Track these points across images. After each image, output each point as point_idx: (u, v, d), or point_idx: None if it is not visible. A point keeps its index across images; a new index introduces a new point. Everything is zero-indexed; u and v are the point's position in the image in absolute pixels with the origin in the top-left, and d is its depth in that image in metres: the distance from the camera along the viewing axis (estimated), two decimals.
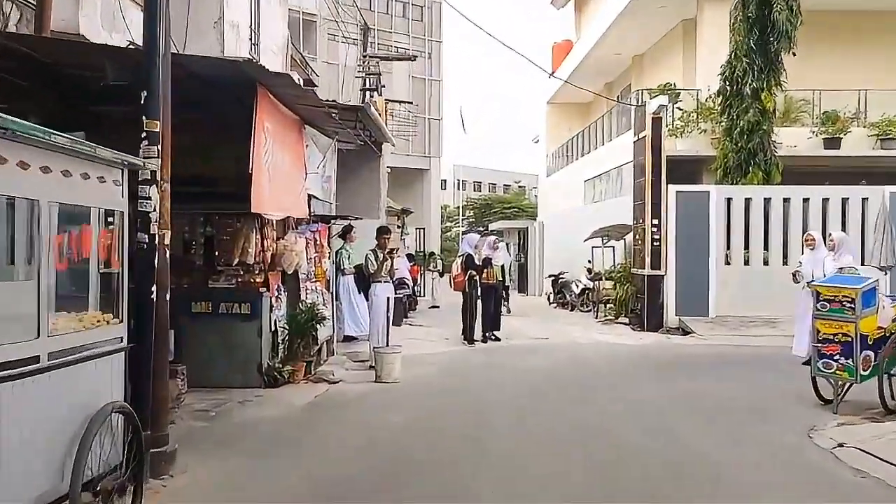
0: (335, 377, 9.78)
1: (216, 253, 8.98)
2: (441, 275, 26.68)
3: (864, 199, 16.42)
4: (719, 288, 16.51)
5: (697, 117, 19.28)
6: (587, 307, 21.97)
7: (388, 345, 10.30)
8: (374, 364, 10.19)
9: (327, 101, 9.84)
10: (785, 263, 16.06)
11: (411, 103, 29.44)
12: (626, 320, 17.04)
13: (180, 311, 7.69)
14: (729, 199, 16.64)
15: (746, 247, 16.69)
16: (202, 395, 8.18)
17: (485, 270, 13.95)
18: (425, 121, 50.86)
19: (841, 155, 18.92)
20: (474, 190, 79.11)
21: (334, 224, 11.75)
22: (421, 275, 29.44)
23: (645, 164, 16.72)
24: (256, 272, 8.94)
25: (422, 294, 29.33)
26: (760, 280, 16.47)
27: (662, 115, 16.68)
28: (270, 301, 8.98)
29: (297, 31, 29.46)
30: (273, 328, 9.07)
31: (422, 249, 31.10)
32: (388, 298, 10.93)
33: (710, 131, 19.44)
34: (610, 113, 24.19)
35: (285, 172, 8.68)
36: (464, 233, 39.76)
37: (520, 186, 76.56)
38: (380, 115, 15.27)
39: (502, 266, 14.20)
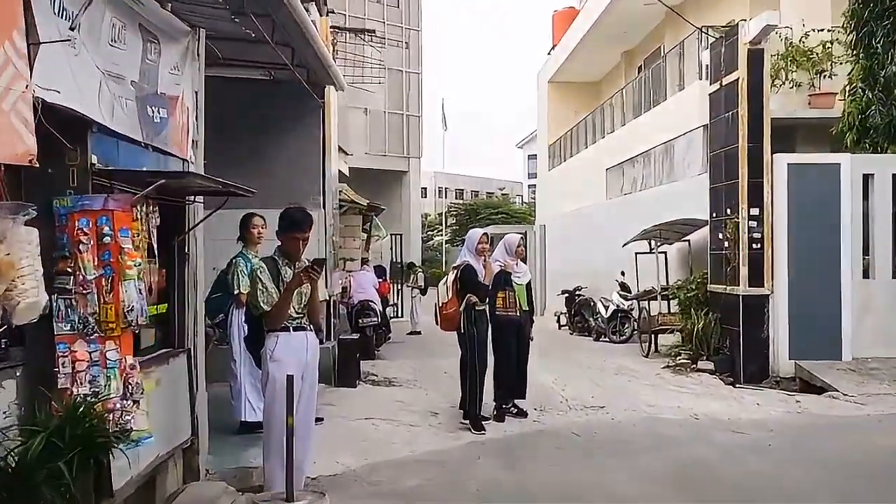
0: None
1: None
2: (423, 292, 20.66)
3: None
4: (857, 314, 10.59)
5: (789, 65, 13.38)
6: (622, 336, 16.03)
7: (291, 488, 4.26)
8: None
9: None
10: None
11: (373, 32, 23.17)
12: (707, 365, 11.02)
13: None
14: (869, 177, 10.75)
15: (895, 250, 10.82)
16: None
17: (499, 294, 7.92)
18: (403, 118, 45.01)
19: None
20: (456, 198, 73.99)
21: (194, 203, 5.52)
22: (398, 291, 23.59)
23: (737, 124, 10.80)
24: None
25: (399, 314, 23.48)
26: None
27: (765, 45, 10.72)
28: None
29: None
30: None
31: (399, 259, 25.18)
32: (309, 363, 4.95)
33: (810, 84, 13.57)
34: (642, 80, 18.25)
35: None
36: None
37: (503, 194, 71.48)
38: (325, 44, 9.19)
39: (528, 286, 8.17)
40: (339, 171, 17.49)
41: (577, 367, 11.88)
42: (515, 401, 8.21)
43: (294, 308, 4.95)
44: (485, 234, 7.75)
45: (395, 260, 25.09)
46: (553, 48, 28.14)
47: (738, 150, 10.72)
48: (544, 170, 28.95)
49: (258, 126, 9.12)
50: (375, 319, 13.21)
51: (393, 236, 25.28)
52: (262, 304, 4.86)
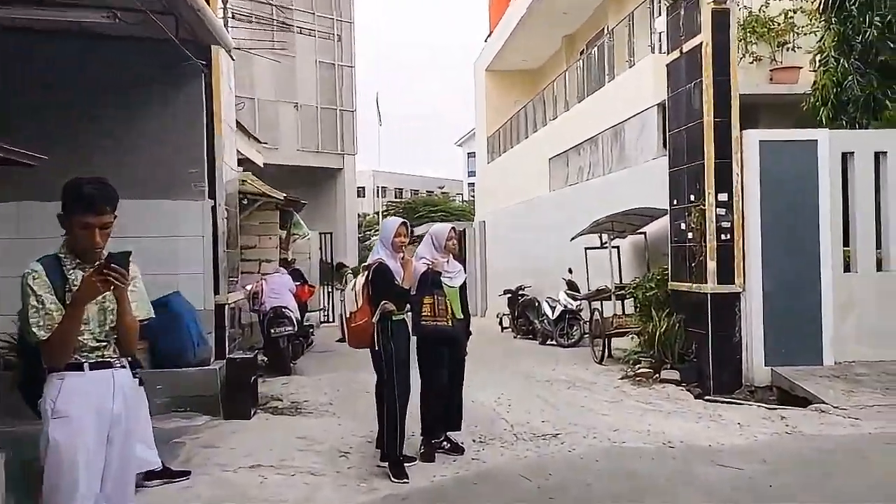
0: None
1: None
2: None
3: None
4: (839, 313, 9.25)
5: (749, 37, 12.05)
6: (570, 339, 14.58)
7: None
8: None
9: None
10: None
11: None
12: (672, 374, 9.55)
13: None
14: (848, 156, 9.42)
15: (880, 239, 9.51)
16: None
17: (426, 300, 6.24)
18: (336, 113, 42.99)
19: None
20: (396, 197, 72.38)
21: None
22: (328, 293, 21.88)
23: (700, 97, 9.36)
24: None
25: (328, 319, 21.78)
26: None
27: (731, 5, 9.29)
28: None
29: None
30: None
31: (330, 260, 23.35)
32: (121, 416, 3.22)
33: (772, 58, 12.30)
34: (586, 59, 16.79)
35: None
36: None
37: (444, 192, 70.16)
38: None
39: (463, 289, 6.50)
40: (255, 162, 15.66)
41: (523, 380, 10.29)
42: (449, 433, 6.56)
43: (91, 333, 3.21)
44: (403, 223, 6.06)
45: (325, 260, 23.31)
46: (490, 35, 26.64)
47: (703, 126, 9.28)
48: (483, 163, 27.41)
49: (114, 91, 7.27)
50: (290, 328, 11.43)
51: (322, 235, 23.46)
52: (35, 330, 3.10)
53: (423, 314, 6.24)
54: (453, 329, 6.35)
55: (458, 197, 68.76)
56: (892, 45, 9.98)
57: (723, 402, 8.68)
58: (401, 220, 6.11)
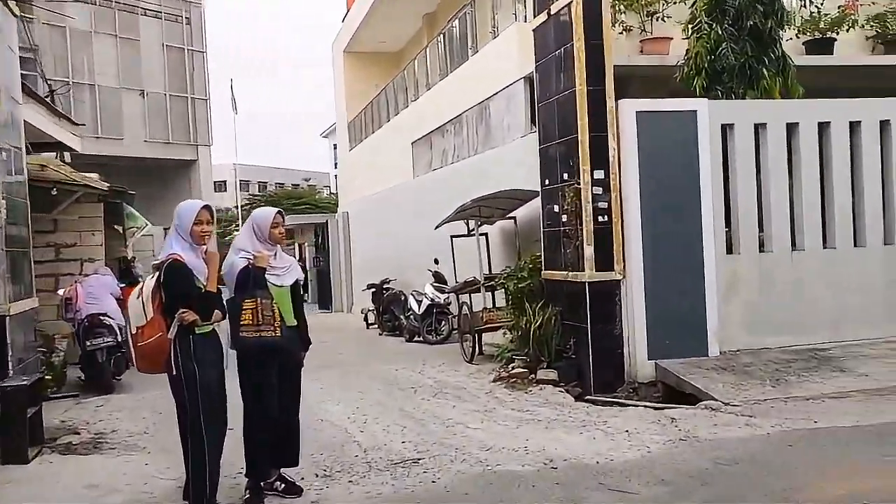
0: None
1: None
2: None
3: None
4: (723, 299, 8.53)
5: (617, 6, 11.26)
6: (439, 335, 13.51)
7: None
8: None
9: None
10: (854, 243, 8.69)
11: None
12: (550, 374, 8.56)
13: None
14: (728, 128, 8.69)
15: (761, 218, 8.85)
16: None
17: (246, 304, 4.85)
18: (187, 101, 40.17)
19: (831, 64, 11.71)
20: (260, 191, 69.53)
21: None
22: None
23: (571, 64, 8.39)
24: None
25: None
26: (795, 276, 8.77)
27: None
28: None
29: None
30: None
31: None
32: None
33: (641, 28, 11.59)
34: (447, 34, 15.66)
35: None
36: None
37: (310, 185, 68.07)
38: None
39: (296, 288, 5.15)
40: (73, 147, 13.60)
41: (383, 387, 9.04)
42: (283, 471, 5.21)
43: None
44: (206, 206, 4.65)
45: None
46: (347, 14, 25.13)
47: (576, 95, 8.32)
48: (345, 151, 25.92)
49: None
50: (110, 339, 9.68)
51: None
52: None
53: (244, 323, 4.85)
54: (283, 340, 4.98)
55: (325, 189, 66.80)
56: (760, 9, 9.40)
57: (606, 402, 7.78)
58: (202, 203, 4.68)
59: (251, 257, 4.97)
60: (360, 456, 6.06)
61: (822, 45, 11.76)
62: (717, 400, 7.22)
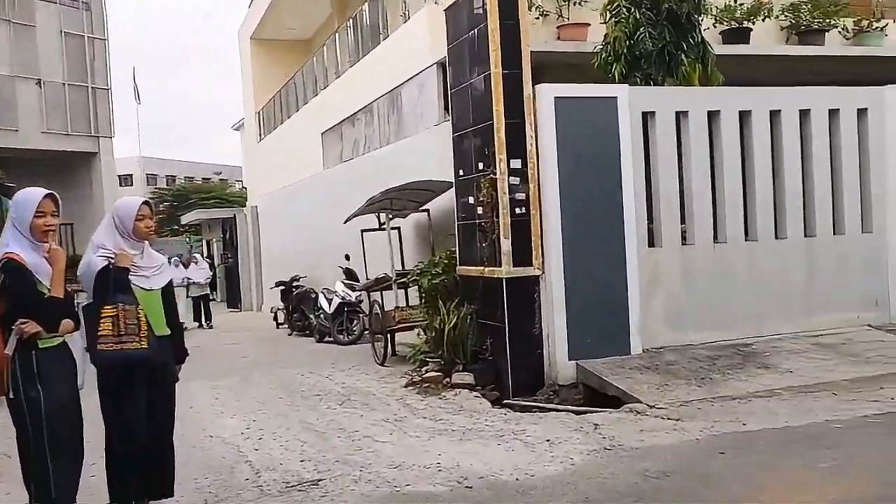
0: None
1: None
2: None
3: (860, 110, 8.97)
4: (645, 293, 8.14)
5: None
6: (351, 335, 12.85)
7: None
8: None
9: None
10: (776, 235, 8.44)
11: None
12: (465, 377, 8.00)
13: None
14: (649, 115, 8.30)
15: (683, 209, 8.50)
16: None
17: (105, 311, 4.09)
18: (88, 91, 38.07)
19: (748, 54, 11.54)
20: (168, 185, 67.07)
21: None
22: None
23: (486, 45, 7.84)
24: None
25: None
26: (718, 270, 8.45)
27: None
28: None
29: None
30: None
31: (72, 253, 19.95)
32: None
33: (558, 14, 11.16)
34: (357, 18, 14.90)
35: None
36: None
37: (221, 179, 66.08)
38: None
39: (165, 294, 4.38)
40: None
41: (286, 395, 8.32)
42: (153, 503, 4.47)
43: None
44: (50, 196, 3.89)
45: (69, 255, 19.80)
46: None
47: (490, 79, 7.77)
48: (253, 142, 24.84)
49: None
50: None
51: (63, 227, 19.95)
52: None
53: (102, 333, 4.09)
54: (151, 352, 4.23)
55: (237, 183, 64.89)
56: (683, 4, 9.07)
57: (525, 407, 7.27)
58: (45, 192, 3.90)
59: (111, 256, 4.21)
60: (251, 479, 5.36)
61: (739, 35, 11.59)
62: (642, 402, 6.80)
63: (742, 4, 11.74)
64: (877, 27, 12.29)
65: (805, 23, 12.00)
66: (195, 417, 7.38)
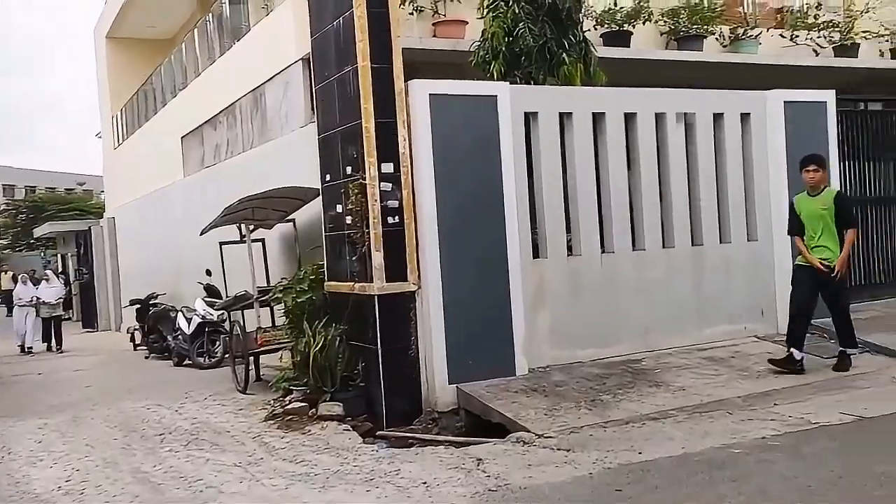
0: None
1: None
2: None
3: (743, 115, 8.72)
4: (531, 307, 7.51)
5: None
6: (212, 358, 11.71)
7: None
8: None
9: None
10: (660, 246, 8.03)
11: None
12: (334, 408, 7.09)
13: None
14: (531, 116, 7.69)
15: (569, 219, 7.93)
16: None
17: None
18: None
19: (629, 57, 11.23)
20: (26, 195, 62.65)
21: None
22: None
23: (352, 37, 7.03)
24: None
25: None
26: (605, 281, 7.94)
27: None
28: None
29: None
30: None
31: None
32: None
33: (434, 10, 10.49)
34: (219, 9, 13.74)
35: None
36: None
37: (85, 189, 62.28)
38: None
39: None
40: None
41: (122, 436, 7.15)
42: None
43: None
44: None
45: None
46: None
47: (358, 74, 6.96)
48: (110, 149, 22.97)
49: None
50: None
51: None
52: None
53: None
54: None
55: (102, 194, 61.23)
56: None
57: (401, 439, 6.49)
58: None
59: None
60: None
61: (620, 38, 11.28)
62: (529, 431, 6.15)
63: (622, 8, 11.45)
64: (751, 35, 12.30)
65: (684, 28, 11.84)
66: (7, 467, 6.18)
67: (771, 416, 6.25)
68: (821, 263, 7.16)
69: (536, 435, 6.05)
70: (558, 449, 5.74)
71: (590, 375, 7.38)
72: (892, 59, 13.76)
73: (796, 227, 7.43)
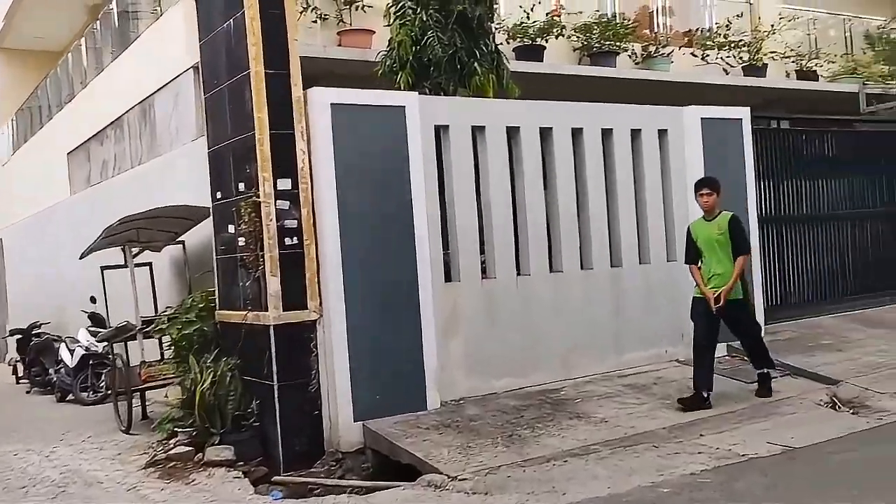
0: None
1: None
2: None
3: (661, 131, 8.43)
4: (443, 335, 6.96)
5: None
6: (97, 393, 10.69)
7: None
8: None
9: None
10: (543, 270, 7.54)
11: None
12: (223, 451, 6.35)
13: None
14: (442, 130, 7.17)
15: (482, 239, 7.42)
16: None
17: None
18: None
19: (542, 72, 10.89)
20: None
21: None
22: None
23: (244, 40, 6.38)
24: None
25: None
26: (522, 305, 7.45)
27: None
28: None
29: None
30: None
31: None
32: None
33: (339, 18, 9.91)
34: (106, 17, 12.76)
35: None
36: None
37: None
38: None
39: None
40: None
41: None
42: None
43: None
44: None
45: None
46: None
47: (250, 81, 6.31)
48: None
49: None
50: None
51: None
52: None
53: None
54: None
55: None
56: (476, 7, 8.13)
57: (299, 487, 5.82)
58: None
59: None
60: None
61: (532, 52, 10.94)
62: (441, 473, 5.57)
63: (535, 22, 11.13)
64: (663, 53, 12.19)
65: (597, 45, 11.61)
66: None
67: (698, 448, 5.88)
68: (713, 294, 6.84)
69: (449, 477, 5.48)
70: (474, 493, 5.20)
71: (506, 408, 6.86)
72: (797, 79, 13.92)
73: (692, 254, 7.09)
